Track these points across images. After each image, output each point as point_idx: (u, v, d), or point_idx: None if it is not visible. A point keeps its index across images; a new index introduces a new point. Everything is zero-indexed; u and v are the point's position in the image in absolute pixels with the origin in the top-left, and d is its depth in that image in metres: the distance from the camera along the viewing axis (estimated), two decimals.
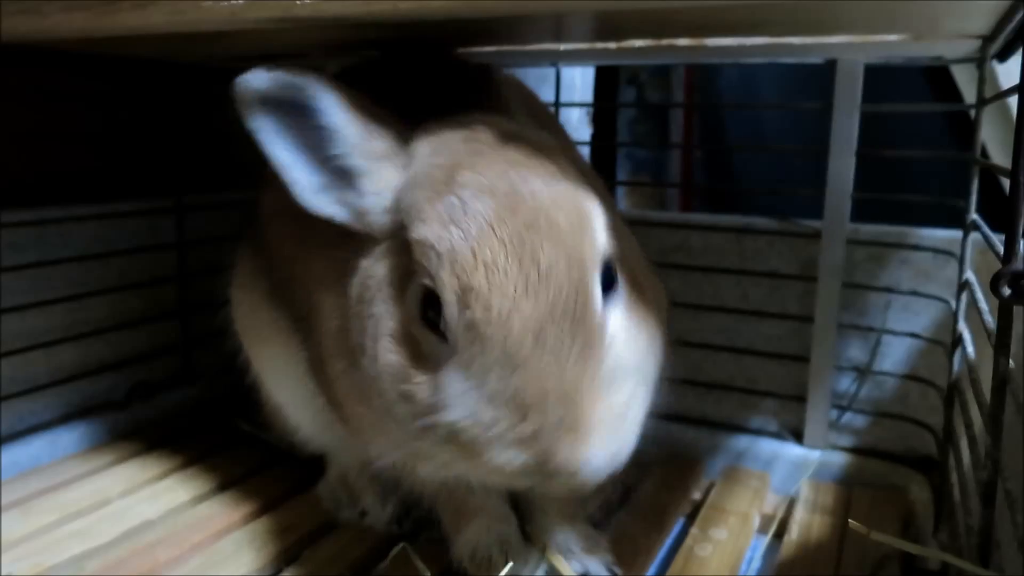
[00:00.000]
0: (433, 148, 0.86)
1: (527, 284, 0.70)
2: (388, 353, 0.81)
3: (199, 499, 1.38)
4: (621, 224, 0.97)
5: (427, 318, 0.78)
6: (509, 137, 0.84)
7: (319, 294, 1.01)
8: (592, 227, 0.76)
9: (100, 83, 1.70)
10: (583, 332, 0.72)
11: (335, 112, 0.86)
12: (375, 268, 0.87)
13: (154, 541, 1.23)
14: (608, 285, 0.78)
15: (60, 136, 1.65)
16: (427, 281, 0.76)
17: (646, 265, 1.00)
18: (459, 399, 0.74)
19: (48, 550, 1.19)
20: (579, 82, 2.22)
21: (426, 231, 0.76)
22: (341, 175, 0.88)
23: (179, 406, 1.76)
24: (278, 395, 1.31)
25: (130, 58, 1.65)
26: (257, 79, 0.84)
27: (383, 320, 0.83)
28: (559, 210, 0.75)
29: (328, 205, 0.89)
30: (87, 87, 1.69)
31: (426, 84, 1.14)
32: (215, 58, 1.65)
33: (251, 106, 0.86)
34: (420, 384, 0.78)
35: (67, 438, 1.56)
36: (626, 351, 0.77)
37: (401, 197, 0.85)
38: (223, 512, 1.32)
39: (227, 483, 1.43)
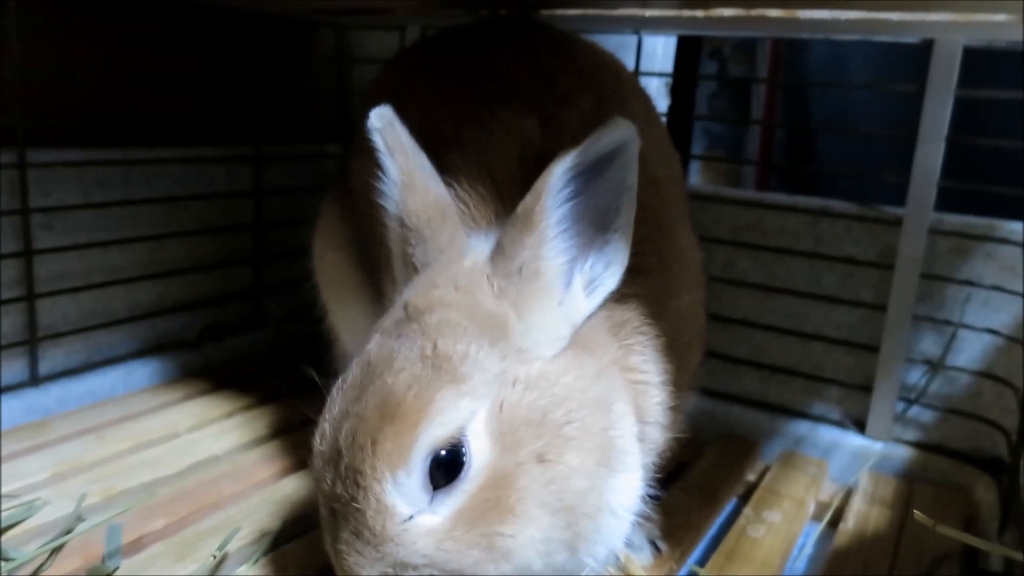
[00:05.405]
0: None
1: (329, 462, 0.78)
2: None
3: (262, 439, 1.43)
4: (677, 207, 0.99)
5: None
6: (432, 307, 0.80)
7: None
8: (415, 428, 0.74)
9: (188, 31, 1.74)
10: (357, 523, 0.76)
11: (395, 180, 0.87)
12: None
13: (219, 475, 1.28)
14: (451, 473, 0.75)
15: (148, 81, 1.70)
16: None
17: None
18: None
19: (120, 475, 1.25)
20: (660, 52, 2.18)
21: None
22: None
23: (247, 349, 1.82)
24: (352, 347, 1.34)
25: (218, 8, 1.68)
26: (376, 121, 0.86)
27: None
28: (385, 407, 0.75)
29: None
30: (176, 34, 1.73)
31: (506, 55, 1.14)
32: (300, 10, 1.66)
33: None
34: None
35: (141, 372, 1.63)
36: (427, 547, 0.74)
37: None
38: (285, 453, 1.37)
39: (289, 426, 1.47)
